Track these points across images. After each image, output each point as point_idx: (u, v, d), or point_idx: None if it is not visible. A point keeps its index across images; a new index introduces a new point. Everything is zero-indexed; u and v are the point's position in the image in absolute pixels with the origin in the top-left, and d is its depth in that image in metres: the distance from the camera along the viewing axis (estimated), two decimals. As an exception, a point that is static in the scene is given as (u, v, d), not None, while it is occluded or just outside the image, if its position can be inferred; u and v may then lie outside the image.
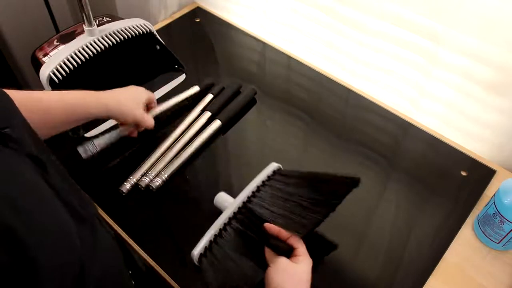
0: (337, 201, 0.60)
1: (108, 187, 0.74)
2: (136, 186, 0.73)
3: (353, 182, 0.60)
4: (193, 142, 0.78)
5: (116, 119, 0.75)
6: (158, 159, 0.76)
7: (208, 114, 0.83)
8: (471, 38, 0.71)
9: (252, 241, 0.61)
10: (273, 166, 0.69)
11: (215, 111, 0.84)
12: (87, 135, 0.80)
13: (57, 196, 0.36)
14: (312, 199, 0.61)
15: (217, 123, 0.81)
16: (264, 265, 0.58)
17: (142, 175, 0.73)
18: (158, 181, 0.72)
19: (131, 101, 0.73)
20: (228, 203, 0.65)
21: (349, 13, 0.86)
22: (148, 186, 0.72)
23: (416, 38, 0.79)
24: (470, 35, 0.71)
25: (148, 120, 0.75)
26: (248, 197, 0.65)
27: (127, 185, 0.72)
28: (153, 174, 0.73)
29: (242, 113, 0.86)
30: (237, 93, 0.89)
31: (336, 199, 0.60)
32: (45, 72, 0.76)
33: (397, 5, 0.77)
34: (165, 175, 0.73)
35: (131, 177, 0.73)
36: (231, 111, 0.85)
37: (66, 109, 0.64)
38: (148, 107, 0.79)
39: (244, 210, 0.64)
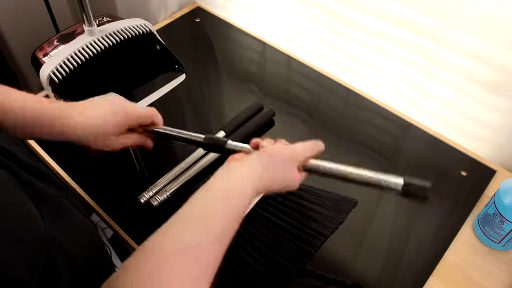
0: (342, 218, 0.70)
1: (108, 187, 0.75)
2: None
3: (353, 203, 0.72)
4: (202, 160, 0.77)
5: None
6: (164, 176, 0.74)
7: (222, 133, 0.81)
8: (471, 38, 0.71)
9: (266, 245, 0.65)
10: None
11: (230, 131, 0.81)
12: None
13: (15, 178, 0.36)
14: (320, 214, 0.70)
15: (221, 134, 0.80)
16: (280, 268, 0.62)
17: (145, 193, 0.72)
18: (158, 199, 0.71)
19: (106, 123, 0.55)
20: None
21: (349, 13, 0.86)
22: (149, 202, 0.71)
23: (416, 38, 0.79)
24: (470, 35, 0.71)
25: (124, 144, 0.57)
26: (257, 203, 0.67)
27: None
28: (154, 191, 0.72)
29: (258, 134, 0.83)
30: (256, 113, 0.85)
31: (341, 216, 0.70)
32: (45, 72, 0.76)
33: (397, 5, 0.77)
34: (167, 193, 0.72)
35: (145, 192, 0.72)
36: (244, 131, 0.82)
37: (23, 118, 0.52)
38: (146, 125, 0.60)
39: (255, 215, 0.66)
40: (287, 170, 0.52)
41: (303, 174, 0.55)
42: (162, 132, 0.60)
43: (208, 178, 0.74)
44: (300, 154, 0.54)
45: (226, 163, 0.52)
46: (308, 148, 0.55)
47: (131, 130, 0.58)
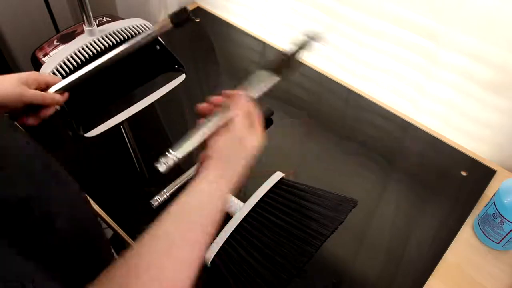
0: (342, 218, 0.68)
1: (108, 187, 0.75)
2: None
3: (353, 203, 0.69)
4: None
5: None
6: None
7: None
8: (471, 38, 0.71)
9: (266, 245, 0.65)
10: (278, 175, 0.71)
11: None
12: (87, 135, 0.80)
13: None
14: (320, 214, 0.68)
15: None
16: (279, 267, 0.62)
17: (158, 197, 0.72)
18: (159, 199, 0.71)
19: (8, 79, 0.60)
20: (235, 205, 0.67)
21: (349, 13, 0.86)
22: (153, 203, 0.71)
23: (416, 38, 0.79)
24: (470, 35, 0.71)
25: (36, 94, 0.61)
26: (257, 203, 0.66)
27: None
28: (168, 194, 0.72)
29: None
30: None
31: (341, 216, 0.68)
32: (45, 72, 0.76)
33: (397, 5, 0.77)
34: (167, 193, 0.72)
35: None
36: None
37: None
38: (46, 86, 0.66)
39: (255, 215, 0.66)
40: (242, 149, 0.52)
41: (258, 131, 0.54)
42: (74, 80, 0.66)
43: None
44: (241, 129, 0.52)
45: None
46: (241, 110, 0.53)
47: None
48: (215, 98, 0.56)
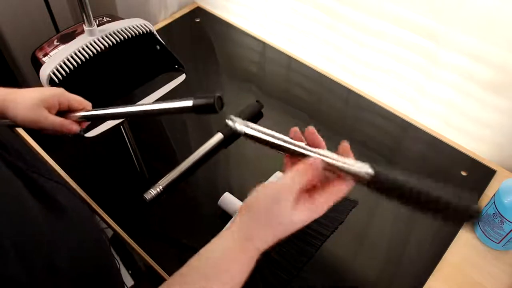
0: (342, 218, 0.70)
1: (108, 188, 0.75)
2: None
3: (353, 203, 0.72)
4: (195, 154, 0.77)
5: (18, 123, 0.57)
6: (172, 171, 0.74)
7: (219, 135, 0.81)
8: (471, 38, 0.71)
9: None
10: (278, 176, 0.71)
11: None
12: (87, 135, 0.80)
13: (16, 175, 0.35)
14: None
15: (218, 136, 0.80)
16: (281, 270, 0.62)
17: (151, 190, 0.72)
18: (153, 192, 0.71)
19: (28, 101, 0.56)
20: (235, 205, 0.67)
21: (349, 13, 0.86)
22: (152, 198, 0.71)
23: (416, 38, 0.79)
24: (470, 35, 0.71)
25: (54, 122, 0.57)
26: None
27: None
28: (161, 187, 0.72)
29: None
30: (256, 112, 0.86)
31: (341, 216, 0.71)
32: (45, 72, 0.76)
33: (397, 5, 0.77)
34: (160, 186, 0.72)
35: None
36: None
37: None
38: (70, 110, 0.61)
39: None
40: (277, 216, 0.42)
41: (312, 206, 0.44)
42: (97, 115, 0.61)
43: (203, 169, 0.75)
44: (288, 188, 0.42)
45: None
46: (296, 177, 0.43)
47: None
48: (297, 134, 0.49)
